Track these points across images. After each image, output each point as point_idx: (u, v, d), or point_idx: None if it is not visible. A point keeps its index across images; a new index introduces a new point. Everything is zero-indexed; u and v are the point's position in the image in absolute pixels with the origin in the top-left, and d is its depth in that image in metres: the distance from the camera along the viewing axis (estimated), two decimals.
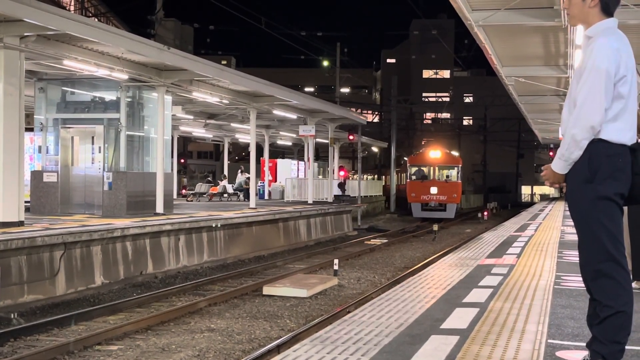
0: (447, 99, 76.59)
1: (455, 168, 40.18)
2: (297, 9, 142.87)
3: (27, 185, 16.71)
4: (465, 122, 78.69)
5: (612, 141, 3.70)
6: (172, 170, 24.10)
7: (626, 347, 3.79)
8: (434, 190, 38.35)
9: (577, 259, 3.92)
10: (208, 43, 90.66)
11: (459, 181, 40.12)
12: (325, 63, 54.13)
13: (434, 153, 40.15)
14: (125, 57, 16.34)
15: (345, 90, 65.49)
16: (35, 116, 18.78)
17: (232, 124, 31.44)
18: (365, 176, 61.18)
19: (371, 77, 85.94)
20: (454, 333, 5.40)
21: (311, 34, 46.58)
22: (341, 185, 37.11)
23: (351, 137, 36.55)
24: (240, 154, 58.92)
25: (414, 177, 39.67)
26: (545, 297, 7.20)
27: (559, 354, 4.78)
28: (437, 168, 39.58)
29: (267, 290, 13.66)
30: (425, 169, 39.67)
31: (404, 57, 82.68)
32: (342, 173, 41.28)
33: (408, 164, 41.17)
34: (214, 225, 18.13)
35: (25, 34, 13.30)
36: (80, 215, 17.56)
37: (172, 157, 26.75)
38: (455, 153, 43.29)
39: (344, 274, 16.72)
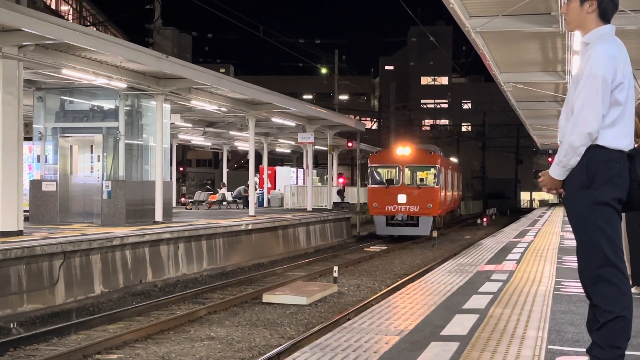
0: (446, 106, 76.53)
1: (432, 169, 30.08)
2: (295, 17, 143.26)
3: (26, 195, 16.70)
4: (463, 129, 78.80)
5: (610, 147, 3.71)
6: (171, 178, 24.10)
7: (626, 353, 3.79)
8: (402, 198, 28.94)
9: (577, 264, 3.92)
10: (206, 51, 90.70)
11: (437, 186, 29.80)
12: (324, 70, 54.05)
13: (402, 150, 30.05)
14: (123, 65, 16.38)
15: (343, 97, 65.49)
16: (34, 125, 18.80)
17: (231, 132, 31.47)
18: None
19: (369, 84, 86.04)
20: (454, 339, 5.40)
21: (309, 42, 46.69)
22: (340, 193, 37.01)
23: (350, 144, 36.48)
24: (239, 161, 58.96)
25: (376, 182, 30.27)
26: (545, 303, 7.19)
27: (559, 359, 4.78)
28: (406, 169, 29.82)
29: (266, 298, 13.65)
30: (391, 171, 30.26)
31: (402, 64, 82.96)
32: (341, 180, 41.20)
33: (369, 164, 31.20)
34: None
35: (24, 43, 13.33)
36: (79, 224, 17.56)
37: (171, 165, 26.78)
38: (434, 149, 33.91)
39: (343, 281, 16.70)
